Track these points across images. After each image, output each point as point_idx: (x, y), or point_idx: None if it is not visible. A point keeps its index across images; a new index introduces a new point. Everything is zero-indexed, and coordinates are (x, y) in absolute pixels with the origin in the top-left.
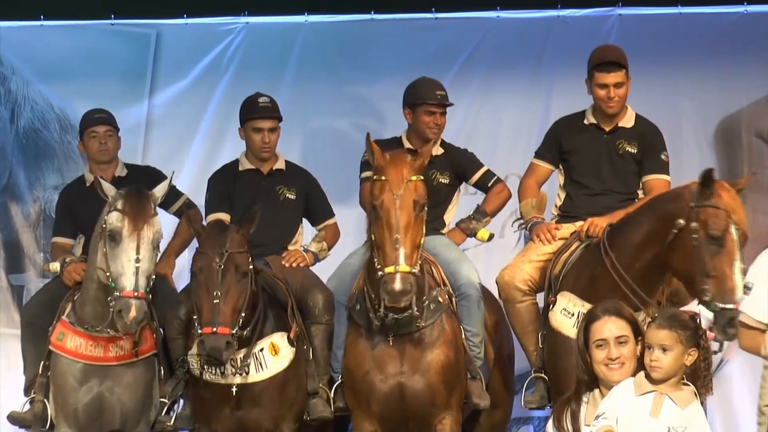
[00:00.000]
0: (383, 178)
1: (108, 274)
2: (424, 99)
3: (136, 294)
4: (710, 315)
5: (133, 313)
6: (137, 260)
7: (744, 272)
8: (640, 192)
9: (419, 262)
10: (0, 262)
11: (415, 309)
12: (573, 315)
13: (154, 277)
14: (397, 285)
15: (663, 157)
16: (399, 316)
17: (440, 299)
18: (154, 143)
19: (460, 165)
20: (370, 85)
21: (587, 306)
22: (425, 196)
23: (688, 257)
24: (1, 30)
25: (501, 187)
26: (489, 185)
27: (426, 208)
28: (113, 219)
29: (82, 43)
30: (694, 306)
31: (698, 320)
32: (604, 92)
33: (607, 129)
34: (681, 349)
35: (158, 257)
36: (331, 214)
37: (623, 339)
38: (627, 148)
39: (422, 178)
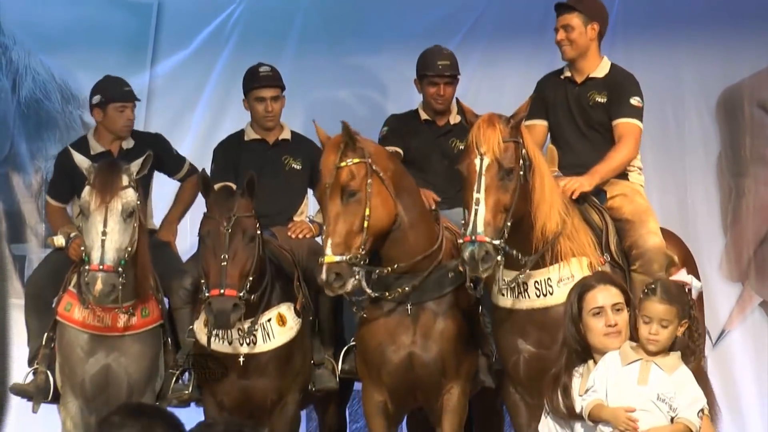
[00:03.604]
0: (320, 167)
1: (83, 248)
2: (425, 70)
3: (101, 267)
4: (698, 285)
5: (98, 285)
6: (104, 233)
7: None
8: None
9: (363, 246)
10: (1, 232)
11: (354, 296)
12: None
13: (130, 249)
14: (323, 275)
15: (633, 102)
16: (357, 299)
17: (461, 269)
18: (155, 114)
19: None
20: (372, 56)
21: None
22: (360, 181)
23: None
24: (3, 0)
25: None
26: None
27: (368, 190)
28: (84, 194)
29: (83, 13)
30: (684, 275)
31: (689, 290)
32: (557, 36)
33: (579, 81)
34: (677, 323)
35: (134, 228)
36: None
37: (619, 306)
38: (597, 99)
39: (357, 161)
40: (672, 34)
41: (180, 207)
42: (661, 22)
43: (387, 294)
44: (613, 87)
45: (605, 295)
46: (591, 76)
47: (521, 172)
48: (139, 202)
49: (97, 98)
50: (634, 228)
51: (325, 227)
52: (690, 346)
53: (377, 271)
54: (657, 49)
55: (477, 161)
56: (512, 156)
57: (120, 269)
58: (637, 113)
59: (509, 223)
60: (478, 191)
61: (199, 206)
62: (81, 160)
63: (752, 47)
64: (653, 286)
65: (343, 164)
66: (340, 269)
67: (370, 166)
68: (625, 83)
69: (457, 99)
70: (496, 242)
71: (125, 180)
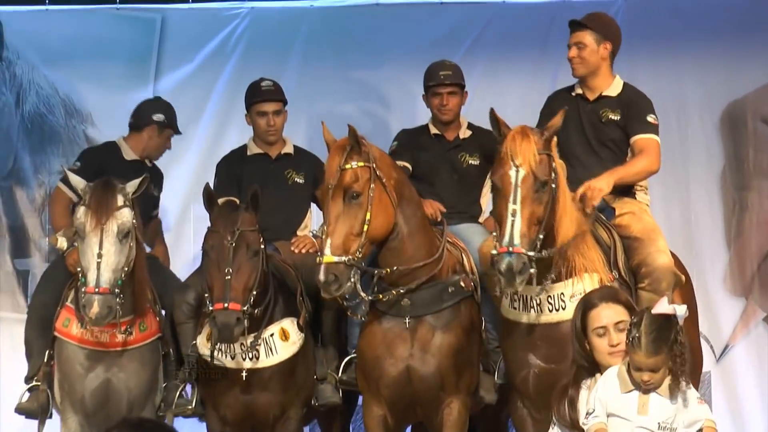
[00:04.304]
0: (323, 168)
1: (79, 269)
2: (429, 81)
3: (97, 290)
4: (682, 310)
5: (95, 308)
6: (99, 255)
7: (514, 213)
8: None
9: (360, 250)
10: (5, 247)
11: (346, 301)
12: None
13: (126, 269)
14: (321, 276)
15: (650, 119)
16: (351, 303)
17: (462, 284)
18: None
19: (488, 146)
20: (375, 70)
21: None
22: (364, 184)
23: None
24: (7, 14)
25: None
26: None
27: (370, 194)
28: (80, 214)
29: (87, 27)
30: (665, 306)
31: (674, 319)
32: (569, 52)
33: (591, 98)
34: (668, 363)
35: (130, 248)
36: None
37: (622, 325)
38: (610, 116)
39: (361, 164)
40: (676, 48)
41: (152, 234)
42: (665, 36)
43: (381, 296)
44: (627, 105)
45: (608, 314)
46: (604, 94)
47: (553, 185)
48: (135, 221)
49: (160, 117)
50: (643, 246)
51: (324, 227)
52: (675, 369)
53: (376, 272)
54: (661, 62)
55: (512, 173)
56: (546, 168)
57: (117, 290)
58: (655, 129)
59: (541, 236)
60: (515, 203)
61: (203, 220)
62: (77, 181)
63: (756, 62)
64: (637, 335)
65: (347, 166)
66: (338, 271)
67: (374, 171)
68: (640, 101)
69: (491, 110)
70: (531, 254)
71: (120, 200)
